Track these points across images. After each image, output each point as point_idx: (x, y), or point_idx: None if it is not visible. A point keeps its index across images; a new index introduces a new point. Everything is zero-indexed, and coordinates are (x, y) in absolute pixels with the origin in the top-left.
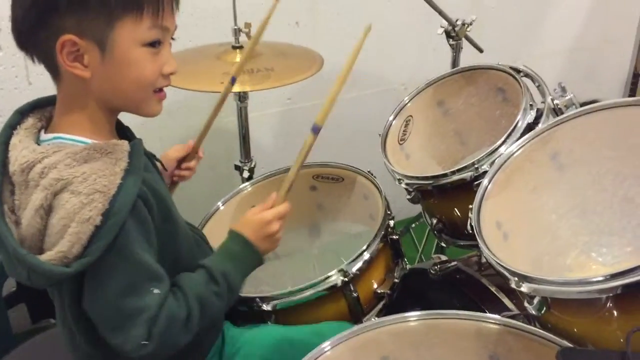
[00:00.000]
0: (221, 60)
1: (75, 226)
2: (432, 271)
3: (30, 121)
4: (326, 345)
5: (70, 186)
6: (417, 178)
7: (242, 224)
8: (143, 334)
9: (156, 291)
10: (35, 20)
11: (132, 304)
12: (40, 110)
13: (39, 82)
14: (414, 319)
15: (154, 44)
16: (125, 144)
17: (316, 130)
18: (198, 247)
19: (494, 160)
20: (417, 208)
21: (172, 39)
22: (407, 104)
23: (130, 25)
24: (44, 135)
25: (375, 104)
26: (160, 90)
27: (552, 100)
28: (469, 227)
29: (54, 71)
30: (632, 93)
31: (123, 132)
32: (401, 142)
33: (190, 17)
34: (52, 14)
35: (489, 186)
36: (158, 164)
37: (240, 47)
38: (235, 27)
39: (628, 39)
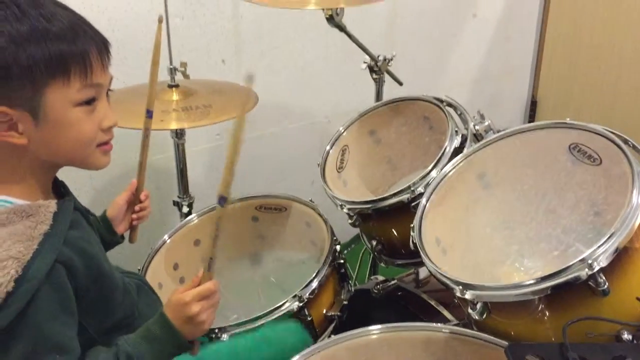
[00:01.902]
0: (158, 100)
1: None
2: (375, 290)
3: None
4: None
5: None
6: (358, 203)
7: (166, 304)
8: None
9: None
10: None
11: None
12: None
13: None
14: (376, 332)
15: (89, 102)
16: (51, 205)
17: (222, 201)
18: (139, 292)
19: (427, 183)
20: (350, 235)
21: (110, 90)
22: (342, 133)
23: (59, 89)
24: None
25: (301, 137)
26: (105, 143)
27: (474, 126)
28: (411, 244)
29: None
30: (532, 119)
31: (58, 187)
32: (339, 170)
33: (121, 58)
34: None
35: (427, 206)
36: (92, 218)
37: (177, 86)
38: (171, 67)
39: (524, 70)
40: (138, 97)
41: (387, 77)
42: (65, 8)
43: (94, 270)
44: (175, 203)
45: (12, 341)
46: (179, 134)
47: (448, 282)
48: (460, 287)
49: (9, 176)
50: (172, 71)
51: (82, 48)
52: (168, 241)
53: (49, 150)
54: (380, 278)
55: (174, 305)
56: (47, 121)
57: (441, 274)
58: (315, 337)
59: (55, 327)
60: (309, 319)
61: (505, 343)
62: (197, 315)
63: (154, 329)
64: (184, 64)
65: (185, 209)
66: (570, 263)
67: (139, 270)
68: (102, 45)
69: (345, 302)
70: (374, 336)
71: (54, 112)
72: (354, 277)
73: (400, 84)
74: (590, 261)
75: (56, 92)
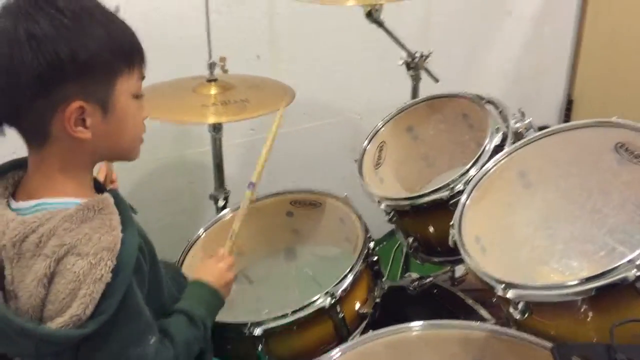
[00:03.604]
0: (197, 93)
1: (86, 288)
2: (410, 288)
3: None
4: (336, 352)
5: (75, 249)
6: (397, 199)
7: (205, 273)
8: None
9: (152, 340)
10: (37, 90)
11: (134, 354)
12: (11, 173)
13: None
14: (417, 329)
15: (140, 95)
16: (108, 197)
17: (252, 186)
18: (173, 281)
19: (467, 180)
20: (380, 233)
21: None
22: (380, 129)
23: (125, 80)
24: (21, 204)
25: (334, 133)
26: None
27: (514, 123)
28: (450, 242)
29: (41, 137)
30: (567, 118)
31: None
32: (377, 167)
33: (159, 53)
34: (58, 83)
35: (467, 203)
36: None
37: (215, 80)
38: (210, 61)
39: (561, 68)
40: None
41: (423, 74)
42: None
43: (152, 256)
44: (212, 197)
45: (114, 328)
46: (216, 128)
47: (490, 280)
48: (502, 286)
49: (65, 176)
50: (212, 66)
51: (138, 42)
52: (203, 235)
53: (108, 143)
54: (415, 275)
55: (216, 273)
56: (113, 114)
57: (483, 273)
58: (347, 334)
59: (145, 308)
60: (341, 315)
61: (547, 343)
62: (231, 281)
63: (205, 296)
64: (223, 59)
65: (221, 203)
66: (617, 264)
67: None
68: None
69: (378, 300)
70: (414, 333)
71: (119, 105)
72: (387, 274)
73: (437, 80)
74: (638, 262)
75: (123, 83)
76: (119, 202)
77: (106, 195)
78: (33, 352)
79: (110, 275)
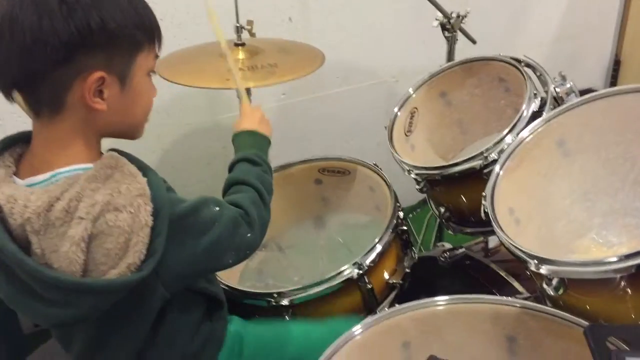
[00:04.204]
0: (223, 58)
1: (136, 237)
2: (441, 258)
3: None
4: (358, 328)
5: (109, 205)
6: (427, 168)
7: (238, 125)
8: (246, 230)
9: (216, 208)
10: (62, 58)
11: (219, 233)
12: (8, 151)
13: None
14: (443, 303)
15: (153, 72)
16: (113, 153)
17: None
18: None
19: (502, 149)
20: (414, 200)
21: None
22: (412, 95)
23: (144, 55)
24: (31, 179)
25: (368, 97)
26: None
27: (554, 88)
28: (482, 213)
29: (56, 106)
30: (614, 80)
31: None
32: (408, 134)
33: (187, 16)
34: (84, 51)
35: (500, 173)
36: None
37: (243, 45)
38: (238, 25)
39: (608, 27)
40: (204, 56)
41: (459, 35)
42: None
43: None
44: None
45: (186, 234)
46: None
47: (522, 255)
48: (536, 262)
49: (78, 146)
50: (239, 29)
51: (157, 20)
52: None
53: (121, 118)
54: (447, 246)
55: (246, 117)
56: (130, 88)
57: (515, 246)
58: (376, 305)
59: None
60: (369, 286)
61: (583, 322)
62: (263, 115)
63: (248, 141)
64: (250, 22)
65: None
66: None
67: None
68: None
69: (407, 270)
70: (441, 307)
71: (136, 79)
72: (419, 242)
73: (474, 42)
74: None
75: (143, 58)
76: (126, 155)
77: (111, 153)
78: (89, 310)
79: (152, 218)
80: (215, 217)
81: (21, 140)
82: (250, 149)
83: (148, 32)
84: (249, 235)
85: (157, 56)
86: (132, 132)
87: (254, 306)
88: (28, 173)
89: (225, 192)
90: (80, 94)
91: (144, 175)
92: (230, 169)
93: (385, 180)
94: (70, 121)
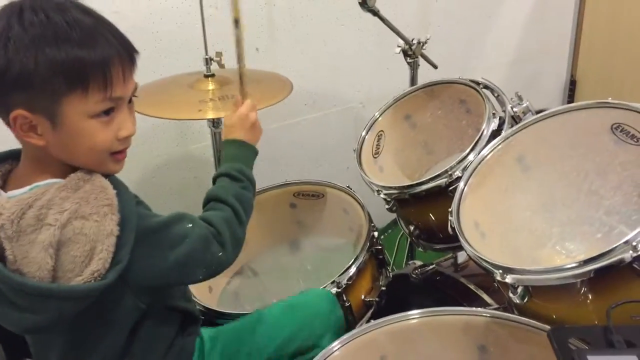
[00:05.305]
0: (195, 89)
1: (102, 244)
2: (413, 275)
3: None
4: (336, 344)
5: (76, 213)
6: (395, 188)
7: (227, 130)
8: (217, 248)
9: (188, 225)
10: None
11: (188, 249)
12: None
13: None
14: (416, 316)
15: (107, 112)
16: (90, 170)
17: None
18: None
19: (465, 167)
20: (384, 221)
21: (134, 96)
22: (378, 118)
23: (77, 100)
24: (13, 192)
25: (336, 122)
26: (119, 152)
27: (512, 108)
28: (449, 229)
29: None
30: (571, 99)
31: None
32: (375, 156)
33: (155, 49)
34: (3, 90)
35: (465, 189)
36: None
37: (212, 75)
38: (207, 57)
39: (563, 48)
40: (174, 88)
41: (421, 61)
42: (89, 14)
43: None
44: None
45: (155, 247)
46: (215, 123)
47: (488, 266)
48: (501, 271)
49: (49, 167)
50: (208, 61)
51: (102, 57)
52: None
53: (65, 154)
54: (419, 263)
55: (236, 122)
56: (63, 128)
57: (481, 258)
58: (354, 323)
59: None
60: (347, 304)
61: (546, 327)
62: (256, 121)
63: (234, 151)
64: (219, 54)
65: None
66: (614, 245)
67: None
68: (125, 55)
69: (383, 288)
70: (414, 321)
71: (69, 121)
72: (392, 262)
73: (435, 67)
74: (634, 243)
75: (74, 103)
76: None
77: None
78: (55, 316)
79: (118, 228)
80: (186, 233)
81: (11, 157)
82: (235, 162)
83: (74, 76)
84: (220, 254)
85: (110, 99)
86: (91, 167)
87: None
88: (13, 187)
89: (204, 205)
90: (16, 128)
91: (115, 188)
92: (214, 181)
93: (358, 202)
94: (31, 150)
